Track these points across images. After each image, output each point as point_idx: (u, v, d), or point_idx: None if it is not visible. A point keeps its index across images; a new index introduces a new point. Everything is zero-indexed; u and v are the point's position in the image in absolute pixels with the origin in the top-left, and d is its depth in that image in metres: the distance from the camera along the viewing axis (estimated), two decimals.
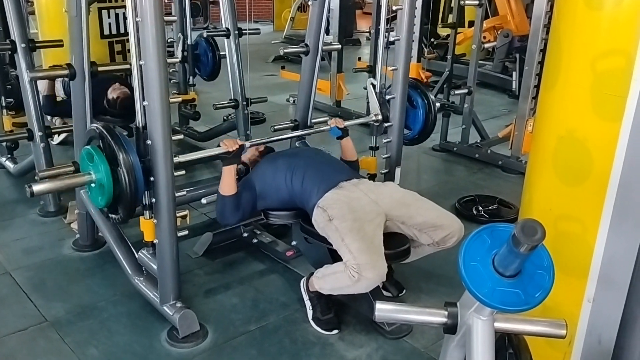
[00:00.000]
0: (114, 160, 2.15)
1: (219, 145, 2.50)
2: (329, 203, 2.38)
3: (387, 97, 3.04)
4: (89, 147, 2.23)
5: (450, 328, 1.29)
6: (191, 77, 4.52)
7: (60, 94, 3.83)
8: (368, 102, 3.11)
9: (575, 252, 1.62)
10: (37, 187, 2.19)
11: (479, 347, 1.22)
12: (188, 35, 4.39)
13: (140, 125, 2.15)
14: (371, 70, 5.10)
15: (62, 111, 3.74)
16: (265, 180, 2.58)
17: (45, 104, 3.47)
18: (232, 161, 2.47)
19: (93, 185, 2.24)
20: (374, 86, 3.03)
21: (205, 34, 4.41)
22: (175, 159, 2.24)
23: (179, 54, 4.30)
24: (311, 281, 2.44)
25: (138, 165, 2.13)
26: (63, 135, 4.35)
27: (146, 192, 2.22)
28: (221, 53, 4.35)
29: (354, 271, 2.14)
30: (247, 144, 2.62)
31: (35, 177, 2.99)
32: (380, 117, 3.02)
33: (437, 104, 3.45)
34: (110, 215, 2.33)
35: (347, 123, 2.90)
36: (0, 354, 2.26)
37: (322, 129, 2.93)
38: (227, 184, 2.47)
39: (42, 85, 3.51)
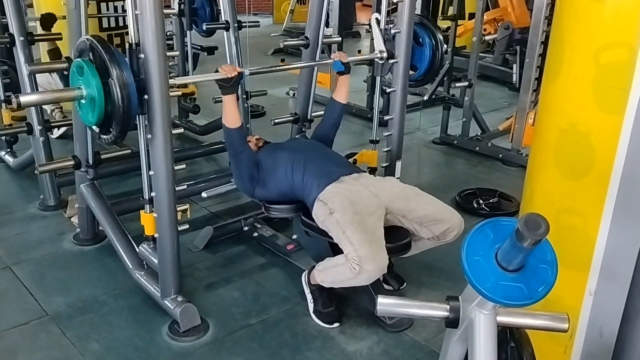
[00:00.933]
0: (105, 74, 2.03)
1: (217, 71, 2.44)
2: (330, 196, 2.38)
3: (393, 31, 2.94)
4: (79, 59, 2.10)
5: (452, 322, 1.28)
6: (191, 70, 4.48)
7: (59, 86, 3.82)
8: (369, 100, 3.07)
9: (577, 246, 1.61)
10: (24, 98, 2.11)
11: (481, 341, 1.22)
12: (188, 33, 4.34)
13: (134, 42, 2.05)
14: (371, 64, 5.08)
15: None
16: (265, 171, 2.58)
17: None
18: (232, 89, 2.45)
19: (83, 101, 2.12)
20: (378, 22, 2.93)
21: (204, 27, 4.36)
22: (171, 81, 2.15)
23: (175, 6, 4.22)
24: (312, 274, 2.44)
25: (131, 81, 2.02)
26: (62, 129, 4.33)
27: (139, 116, 2.12)
28: (218, 8, 4.23)
29: (355, 263, 2.14)
30: (247, 71, 2.56)
31: (35, 172, 2.98)
32: (385, 54, 2.93)
33: (445, 46, 3.31)
34: (102, 135, 2.22)
35: (351, 58, 2.86)
36: (2, 348, 2.27)
37: (325, 62, 2.89)
38: (231, 113, 2.46)
39: (45, 89, 3.49)
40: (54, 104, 4.38)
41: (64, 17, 2.74)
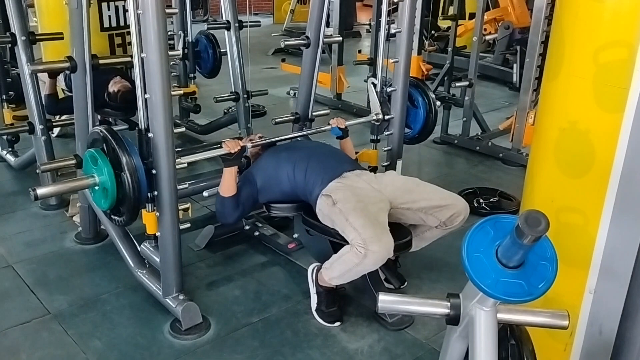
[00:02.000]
0: (117, 163, 2.16)
1: (220, 145, 2.49)
2: (333, 190, 2.39)
3: (389, 89, 3.03)
4: (92, 150, 2.24)
5: (453, 319, 1.29)
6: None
7: (61, 85, 3.82)
8: (369, 101, 3.11)
9: (577, 244, 1.62)
10: (41, 191, 2.21)
11: (481, 338, 1.23)
12: (188, 28, 4.37)
13: (143, 126, 2.16)
14: (372, 63, 5.09)
15: (66, 108, 3.72)
16: (267, 174, 2.58)
17: (47, 104, 3.45)
18: (234, 163, 2.47)
19: (96, 188, 2.26)
20: (374, 85, 3.03)
21: (206, 27, 4.38)
22: (178, 161, 2.25)
23: (179, 51, 4.30)
24: (321, 275, 2.43)
25: (141, 168, 2.15)
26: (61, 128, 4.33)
27: (148, 195, 2.24)
28: (222, 50, 4.34)
29: (360, 247, 2.14)
30: (249, 145, 2.61)
31: (37, 171, 2.99)
32: (381, 116, 3.03)
33: (438, 103, 3.44)
34: (113, 217, 2.34)
35: (348, 123, 2.90)
36: (4, 347, 2.28)
37: (323, 129, 2.93)
38: (228, 185, 2.47)
39: (45, 82, 3.50)
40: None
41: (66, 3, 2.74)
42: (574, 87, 1.59)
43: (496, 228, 1.12)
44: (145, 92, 2.11)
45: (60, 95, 3.74)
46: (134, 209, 2.21)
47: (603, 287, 1.58)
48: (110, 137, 2.19)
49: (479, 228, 1.14)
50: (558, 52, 1.65)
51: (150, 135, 2.15)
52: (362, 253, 2.15)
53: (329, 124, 2.87)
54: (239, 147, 2.47)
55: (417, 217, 2.46)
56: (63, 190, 2.40)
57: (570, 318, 1.32)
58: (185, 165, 2.34)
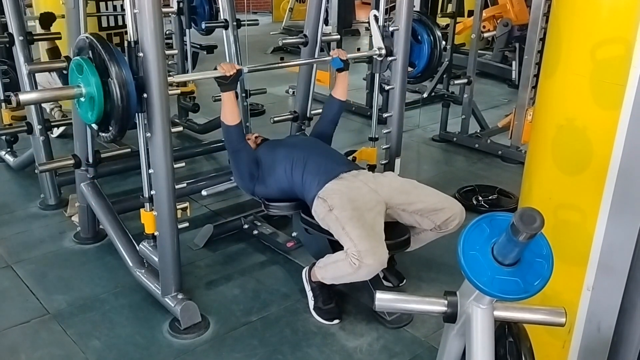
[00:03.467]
0: (105, 72, 2.03)
1: (215, 69, 2.45)
2: (329, 193, 2.39)
3: (391, 28, 2.94)
4: (78, 57, 2.10)
5: (450, 317, 1.29)
6: (190, 69, 4.49)
7: (58, 84, 3.82)
8: (371, 36, 3.02)
9: (575, 241, 1.62)
10: (23, 96, 2.11)
11: (478, 335, 1.23)
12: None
13: (132, 39, 2.05)
14: (370, 61, 5.08)
15: None
16: (265, 169, 2.59)
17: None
18: (230, 86, 2.46)
19: (83, 99, 2.12)
20: (376, 18, 2.92)
21: (203, 26, 4.37)
22: (170, 79, 2.16)
23: (174, 4, 4.22)
24: (313, 271, 2.45)
25: (130, 79, 2.02)
26: (62, 129, 4.34)
27: (139, 114, 2.13)
28: (217, 6, 4.22)
29: (355, 258, 2.15)
30: (245, 69, 2.57)
31: (35, 171, 2.99)
32: (383, 50, 2.93)
33: (443, 43, 3.29)
34: (101, 133, 2.22)
35: (350, 55, 2.86)
36: (3, 347, 2.28)
37: (324, 59, 2.90)
38: (230, 111, 2.47)
39: (44, 87, 3.49)
40: (53, 102, 4.40)
41: (63, 17, 2.75)
42: (571, 84, 1.59)
43: (492, 226, 1.12)
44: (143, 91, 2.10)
45: None
46: (123, 121, 2.07)
47: (601, 284, 1.58)
48: (97, 44, 2.05)
49: (474, 226, 1.14)
50: (555, 49, 1.65)
51: (140, 54, 2.04)
52: (356, 265, 2.16)
53: (329, 55, 2.83)
54: (235, 70, 2.44)
55: (412, 219, 2.46)
56: (47, 98, 2.28)
57: (569, 315, 1.32)
58: (183, 164, 2.34)
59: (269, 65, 2.74)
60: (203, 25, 4.16)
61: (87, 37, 2.13)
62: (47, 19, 3.51)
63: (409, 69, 3.11)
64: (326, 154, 2.68)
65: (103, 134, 2.21)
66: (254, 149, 2.75)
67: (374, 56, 2.98)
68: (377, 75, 3.07)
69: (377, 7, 3.00)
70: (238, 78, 2.50)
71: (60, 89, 2.27)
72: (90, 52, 2.12)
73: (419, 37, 3.19)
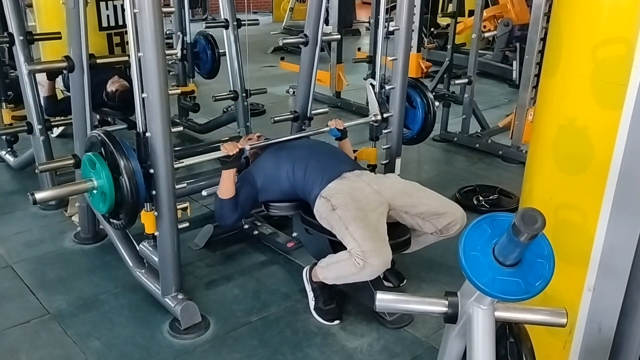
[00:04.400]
0: (115, 167, 2.16)
1: (219, 148, 2.49)
2: (332, 193, 2.39)
3: (387, 87, 3.01)
4: (90, 153, 2.24)
5: (451, 317, 1.29)
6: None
7: (59, 86, 3.82)
8: (367, 102, 3.10)
9: (576, 241, 1.62)
10: (39, 195, 2.22)
11: (479, 336, 1.23)
12: (187, 27, 4.36)
13: (141, 130, 2.15)
14: (371, 61, 5.07)
15: (65, 109, 3.71)
16: (267, 173, 2.58)
17: (47, 106, 3.46)
18: (232, 165, 2.47)
19: (95, 192, 2.25)
20: (373, 86, 3.02)
21: (204, 26, 4.38)
22: (176, 164, 2.25)
23: (178, 52, 4.29)
24: (314, 271, 2.44)
25: (139, 171, 2.14)
26: (62, 128, 4.34)
27: (147, 204, 2.24)
28: (221, 51, 4.33)
29: (359, 258, 2.15)
30: (247, 146, 2.61)
31: (36, 171, 2.99)
32: (379, 117, 3.02)
33: (437, 103, 3.43)
34: (112, 220, 2.34)
35: (346, 124, 2.90)
36: (3, 347, 2.28)
37: (321, 130, 2.92)
38: (226, 187, 2.47)
39: (43, 86, 3.49)
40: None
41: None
42: (572, 84, 1.59)
43: (493, 226, 1.12)
44: (142, 92, 2.10)
45: (60, 96, 3.74)
46: (133, 212, 2.21)
47: (602, 285, 1.58)
48: (108, 141, 2.19)
49: (475, 226, 1.13)
50: (556, 49, 1.64)
51: (148, 134, 2.14)
52: (360, 265, 2.15)
53: (327, 125, 2.87)
54: (237, 150, 2.47)
55: (414, 222, 2.46)
56: (61, 195, 2.46)
57: (570, 316, 1.32)
58: (183, 164, 2.34)
59: (270, 141, 2.74)
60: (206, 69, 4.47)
61: (98, 135, 2.25)
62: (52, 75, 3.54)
63: (405, 130, 3.23)
64: (329, 154, 2.68)
65: (114, 221, 2.33)
66: (255, 152, 2.73)
67: (371, 122, 3.07)
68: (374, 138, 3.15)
69: (377, 7, 3.00)
70: (240, 157, 2.53)
71: (74, 185, 2.42)
72: (101, 148, 2.23)
73: (413, 103, 3.29)
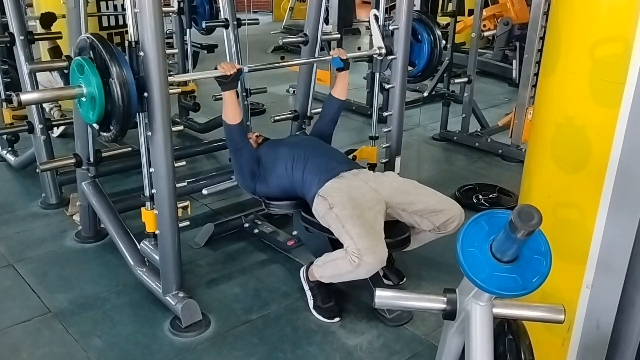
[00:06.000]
0: (105, 72, 2.04)
1: (216, 68, 2.46)
2: (329, 192, 2.40)
3: (391, 27, 2.95)
4: (79, 57, 2.12)
5: (450, 314, 1.30)
6: (190, 68, 4.50)
7: (59, 84, 3.83)
8: (371, 35, 3.03)
9: (574, 239, 1.63)
10: (24, 96, 2.13)
11: (477, 332, 1.24)
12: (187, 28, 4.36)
13: (133, 39, 2.06)
14: (371, 60, 5.07)
15: None
16: (266, 167, 2.60)
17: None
18: (231, 85, 2.47)
19: (84, 99, 2.13)
20: (376, 18, 2.93)
21: (204, 25, 4.38)
22: (170, 79, 2.17)
23: (174, 4, 4.22)
24: (311, 270, 2.46)
25: (131, 79, 2.03)
26: (62, 128, 4.35)
27: (139, 113, 2.14)
28: (217, 5, 4.21)
29: (355, 256, 2.16)
30: (246, 68, 2.58)
31: (37, 170, 3.00)
32: (383, 50, 2.94)
33: (444, 42, 3.29)
34: (102, 132, 2.23)
35: (350, 55, 2.86)
36: (5, 345, 2.29)
37: (324, 58, 2.90)
38: (231, 109, 2.48)
39: (45, 87, 3.50)
40: (53, 102, 4.40)
41: (64, 16, 2.76)
42: (570, 83, 1.60)
43: (490, 223, 1.13)
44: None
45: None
46: (124, 121, 2.08)
47: (600, 282, 1.59)
48: (98, 44, 2.06)
49: (473, 223, 1.14)
50: (554, 48, 1.65)
51: (141, 53, 2.05)
52: (356, 262, 2.16)
53: (329, 55, 2.84)
54: (235, 69, 2.46)
55: (411, 220, 2.47)
56: (47, 98, 2.29)
57: (568, 313, 1.33)
58: (184, 163, 2.35)
59: (269, 64, 2.74)
60: (203, 25, 4.17)
61: (87, 38, 2.14)
62: (48, 19, 3.52)
63: (409, 68, 3.11)
64: (327, 153, 2.69)
65: (104, 134, 2.22)
66: (255, 148, 2.75)
67: (374, 55, 2.99)
68: (377, 75, 3.08)
69: (377, 6, 3.00)
70: (238, 77, 2.51)
71: (61, 89, 2.28)
72: (91, 52, 2.13)
73: (419, 37, 3.19)
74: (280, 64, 2.99)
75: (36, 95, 2.27)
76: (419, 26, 3.16)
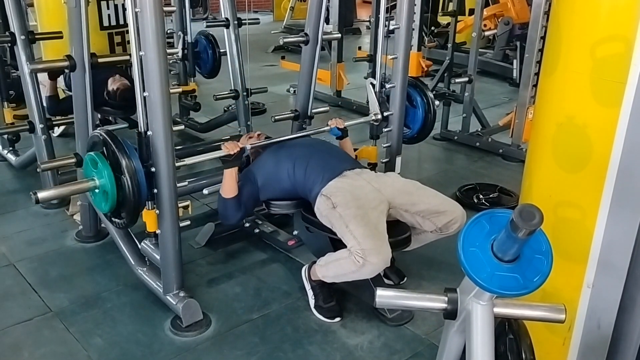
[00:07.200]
0: (117, 166, 2.17)
1: (219, 147, 2.50)
2: (333, 191, 2.40)
3: (388, 86, 3.02)
4: (92, 153, 2.25)
5: (450, 313, 1.30)
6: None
7: (61, 85, 3.83)
8: (368, 101, 3.11)
9: (575, 238, 1.63)
10: (42, 194, 2.24)
11: (478, 331, 1.24)
12: (188, 27, 4.37)
13: (143, 130, 2.16)
14: (371, 60, 5.08)
15: (67, 108, 3.72)
16: (267, 172, 2.59)
17: (49, 105, 3.48)
18: (233, 164, 2.48)
19: (97, 191, 2.27)
20: (373, 86, 3.03)
21: (205, 25, 4.39)
22: (178, 163, 2.27)
23: (179, 52, 4.30)
24: (313, 270, 2.46)
25: (141, 171, 2.16)
26: (63, 127, 4.35)
27: (148, 202, 2.26)
28: (221, 50, 4.34)
29: (359, 256, 2.16)
30: (248, 145, 2.62)
31: (37, 170, 3.00)
32: (379, 116, 3.02)
33: (437, 102, 3.43)
34: (114, 219, 2.36)
35: (346, 124, 2.91)
36: (6, 344, 2.29)
37: (322, 129, 2.93)
38: (229, 186, 2.48)
39: (44, 86, 3.50)
40: None
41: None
42: (571, 82, 1.59)
43: (492, 222, 1.13)
44: (144, 90, 2.11)
45: (61, 95, 3.75)
46: (134, 211, 2.23)
47: (601, 281, 1.58)
48: (110, 141, 2.20)
49: (474, 223, 1.14)
50: (555, 47, 1.65)
51: (149, 133, 2.16)
52: (360, 263, 2.16)
53: (327, 125, 2.87)
54: (238, 149, 2.48)
55: (413, 220, 2.47)
56: (64, 194, 2.48)
57: (569, 312, 1.33)
58: (185, 163, 2.35)
59: (270, 140, 2.75)
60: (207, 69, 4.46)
61: (100, 135, 2.26)
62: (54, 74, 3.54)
63: (405, 130, 3.23)
64: (329, 152, 2.69)
65: (116, 220, 2.34)
66: (255, 150, 2.74)
67: (371, 122, 3.07)
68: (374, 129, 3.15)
69: (377, 6, 3.01)
70: (241, 156, 2.53)
71: (76, 184, 2.43)
72: (103, 147, 2.24)
73: (414, 102, 3.28)
74: (277, 140, 2.94)
75: (52, 192, 2.42)
76: (413, 91, 3.29)
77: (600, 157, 1.52)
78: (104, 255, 2.93)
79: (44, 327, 2.40)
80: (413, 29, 3.26)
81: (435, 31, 7.22)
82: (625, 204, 1.50)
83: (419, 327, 2.41)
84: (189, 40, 4.37)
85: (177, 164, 2.25)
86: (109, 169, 2.19)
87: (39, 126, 3.27)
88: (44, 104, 3.36)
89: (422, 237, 2.54)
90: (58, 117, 4.06)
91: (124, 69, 3.76)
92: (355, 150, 3.14)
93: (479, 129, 4.74)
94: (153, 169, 2.19)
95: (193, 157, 2.52)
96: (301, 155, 2.58)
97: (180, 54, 4.32)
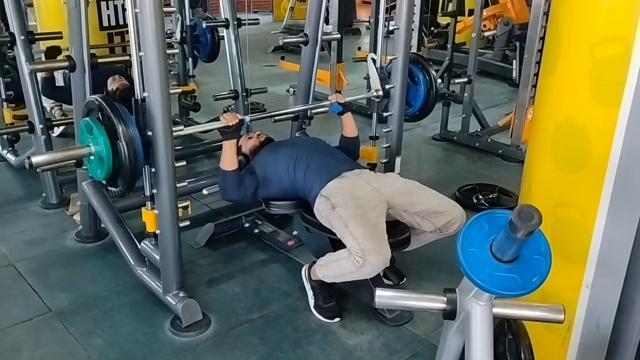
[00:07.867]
0: (113, 132, 2.11)
1: (218, 119, 2.50)
2: (332, 192, 2.40)
3: (391, 27, 2.97)
4: (87, 119, 2.20)
5: (450, 314, 1.30)
6: (191, 68, 4.50)
7: (60, 83, 3.84)
8: (368, 78, 3.08)
9: (574, 238, 1.63)
10: (35, 159, 2.18)
11: (477, 331, 1.24)
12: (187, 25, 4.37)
13: (139, 97, 2.12)
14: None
15: (60, 95, 3.75)
16: (267, 170, 2.59)
17: (44, 86, 3.48)
18: (232, 135, 2.48)
19: (92, 157, 2.21)
20: (374, 61, 2.98)
21: (204, 25, 4.39)
22: (175, 133, 2.22)
23: (177, 35, 4.26)
24: (313, 270, 2.46)
25: (138, 138, 2.10)
26: (62, 127, 4.36)
27: (145, 166, 2.21)
28: (220, 34, 4.30)
29: (359, 256, 2.16)
30: (247, 118, 2.60)
31: (37, 170, 2.99)
32: (380, 92, 2.98)
33: (439, 80, 3.39)
34: (109, 188, 2.30)
35: (347, 98, 2.88)
36: (6, 344, 2.29)
37: (322, 104, 2.91)
38: (229, 158, 2.48)
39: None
40: (54, 102, 4.41)
41: (67, 50, 2.82)
42: (571, 83, 1.60)
43: (490, 223, 1.13)
44: (143, 91, 2.11)
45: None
46: (131, 178, 2.16)
47: (600, 282, 1.59)
48: (105, 106, 2.14)
49: (473, 223, 1.15)
50: (554, 48, 1.65)
51: (145, 94, 2.10)
52: (360, 263, 2.16)
53: (327, 100, 2.86)
54: (237, 120, 2.47)
55: (413, 221, 2.47)
56: (58, 159, 2.36)
57: (568, 313, 1.33)
58: (184, 163, 2.35)
59: (270, 113, 2.76)
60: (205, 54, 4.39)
61: (96, 100, 2.21)
62: (53, 53, 3.54)
63: (406, 107, 3.20)
64: (329, 153, 2.69)
65: (112, 189, 2.29)
66: (257, 146, 2.74)
67: (372, 97, 3.04)
68: (375, 114, 3.12)
69: (377, 6, 3.01)
70: (240, 127, 2.53)
71: (71, 149, 2.39)
72: (99, 113, 2.20)
73: (415, 79, 3.26)
74: (277, 113, 2.96)
75: (46, 157, 2.36)
76: (415, 68, 3.25)
77: (599, 158, 1.53)
78: (104, 255, 2.93)
79: (43, 327, 2.40)
80: (412, 30, 3.26)
81: (435, 31, 7.22)
82: (625, 204, 1.50)
83: (418, 327, 2.41)
84: (187, 24, 4.32)
85: (176, 165, 2.25)
86: (105, 134, 2.12)
87: (38, 126, 3.27)
88: (40, 85, 3.36)
89: (421, 238, 2.55)
90: (58, 118, 4.08)
91: (124, 69, 3.76)
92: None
93: (479, 130, 4.75)
94: (150, 133, 2.14)
95: (189, 128, 2.50)
96: (301, 155, 2.58)
97: (178, 37, 4.27)
